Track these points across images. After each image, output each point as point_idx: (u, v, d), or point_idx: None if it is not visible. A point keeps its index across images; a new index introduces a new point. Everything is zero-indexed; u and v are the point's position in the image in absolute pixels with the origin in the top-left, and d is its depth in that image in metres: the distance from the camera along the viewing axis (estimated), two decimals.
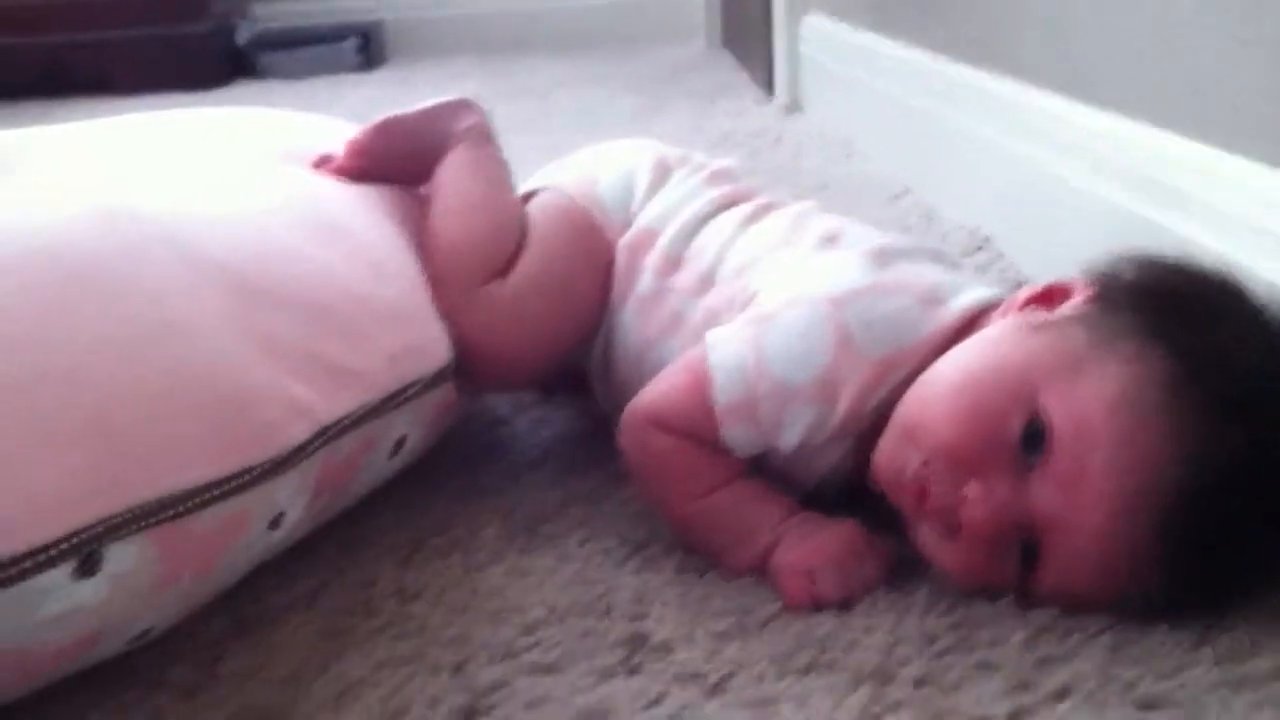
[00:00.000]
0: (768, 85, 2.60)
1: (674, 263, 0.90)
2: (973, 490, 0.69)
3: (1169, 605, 0.68)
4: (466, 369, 0.87)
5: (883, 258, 0.83)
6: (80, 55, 3.32)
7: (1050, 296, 0.76)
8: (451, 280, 0.88)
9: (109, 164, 0.83)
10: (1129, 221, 1.06)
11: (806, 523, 0.77)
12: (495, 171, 0.97)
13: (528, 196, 0.99)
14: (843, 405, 0.76)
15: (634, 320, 0.91)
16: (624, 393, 0.89)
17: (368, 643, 0.71)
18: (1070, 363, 0.69)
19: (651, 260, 0.91)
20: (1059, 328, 0.72)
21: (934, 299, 0.79)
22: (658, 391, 0.81)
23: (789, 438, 0.77)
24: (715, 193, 0.94)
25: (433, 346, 0.84)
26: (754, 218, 0.91)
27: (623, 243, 0.93)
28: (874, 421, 0.76)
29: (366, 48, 3.60)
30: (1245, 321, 0.69)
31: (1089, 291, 0.74)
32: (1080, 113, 1.20)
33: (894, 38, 1.86)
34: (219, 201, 0.79)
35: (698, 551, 0.79)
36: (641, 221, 0.94)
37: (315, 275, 0.78)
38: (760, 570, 0.76)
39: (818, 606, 0.73)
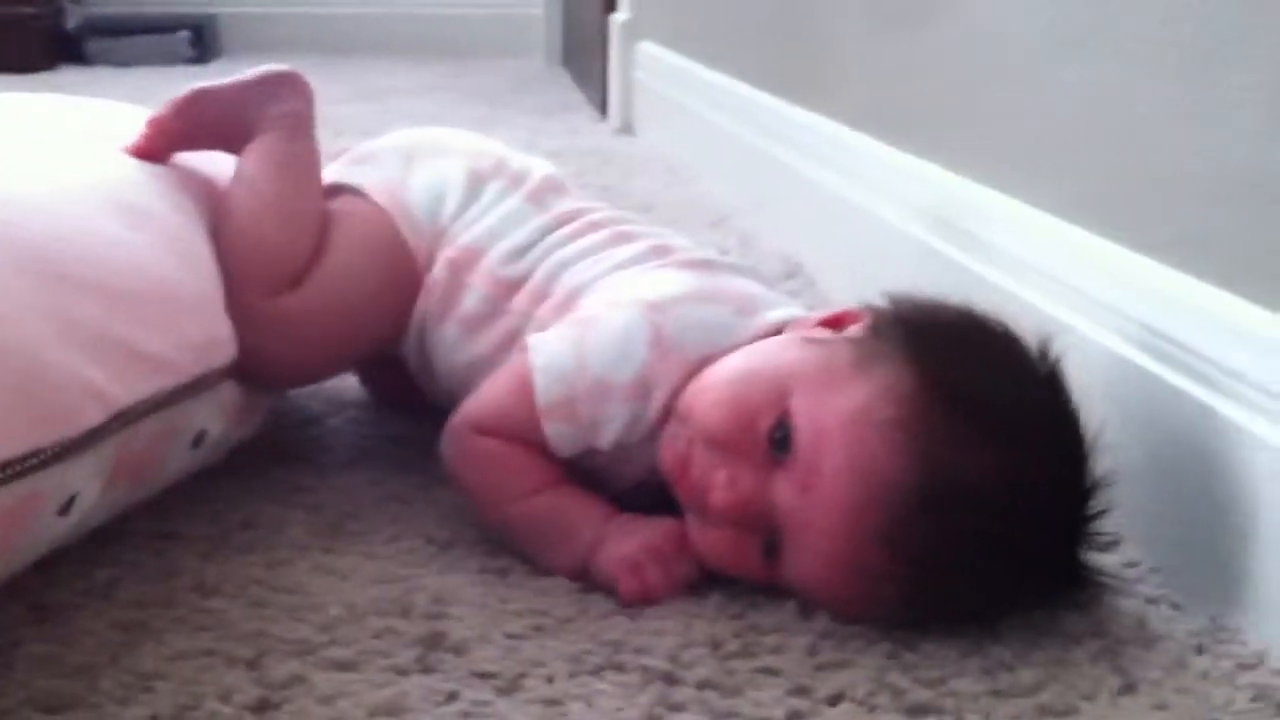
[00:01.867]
0: (602, 107, 2.64)
1: (509, 286, 0.90)
2: (720, 476, 0.73)
3: (905, 618, 0.72)
4: (248, 372, 0.86)
5: (704, 269, 0.87)
6: None
7: (840, 321, 0.80)
8: (238, 288, 0.85)
9: None
10: (929, 257, 1.11)
11: (629, 522, 0.79)
12: (302, 172, 0.93)
13: (332, 190, 0.95)
14: (656, 403, 0.79)
15: (460, 337, 0.90)
16: (451, 400, 0.89)
17: (164, 635, 0.71)
18: (826, 375, 0.73)
19: (479, 281, 0.90)
20: (829, 345, 0.76)
21: (749, 309, 0.83)
22: (482, 399, 0.83)
23: (606, 435, 0.79)
24: (542, 218, 0.93)
25: (229, 339, 0.84)
26: (581, 235, 0.92)
27: (444, 256, 0.92)
28: None
29: (200, 40, 3.54)
30: (1003, 359, 0.73)
31: (869, 320, 0.77)
32: (889, 154, 1.26)
33: (722, 70, 1.91)
34: (19, 181, 0.77)
35: (520, 552, 0.80)
36: (465, 239, 0.92)
37: (118, 259, 0.77)
38: (581, 569, 0.78)
39: (648, 599, 0.75)
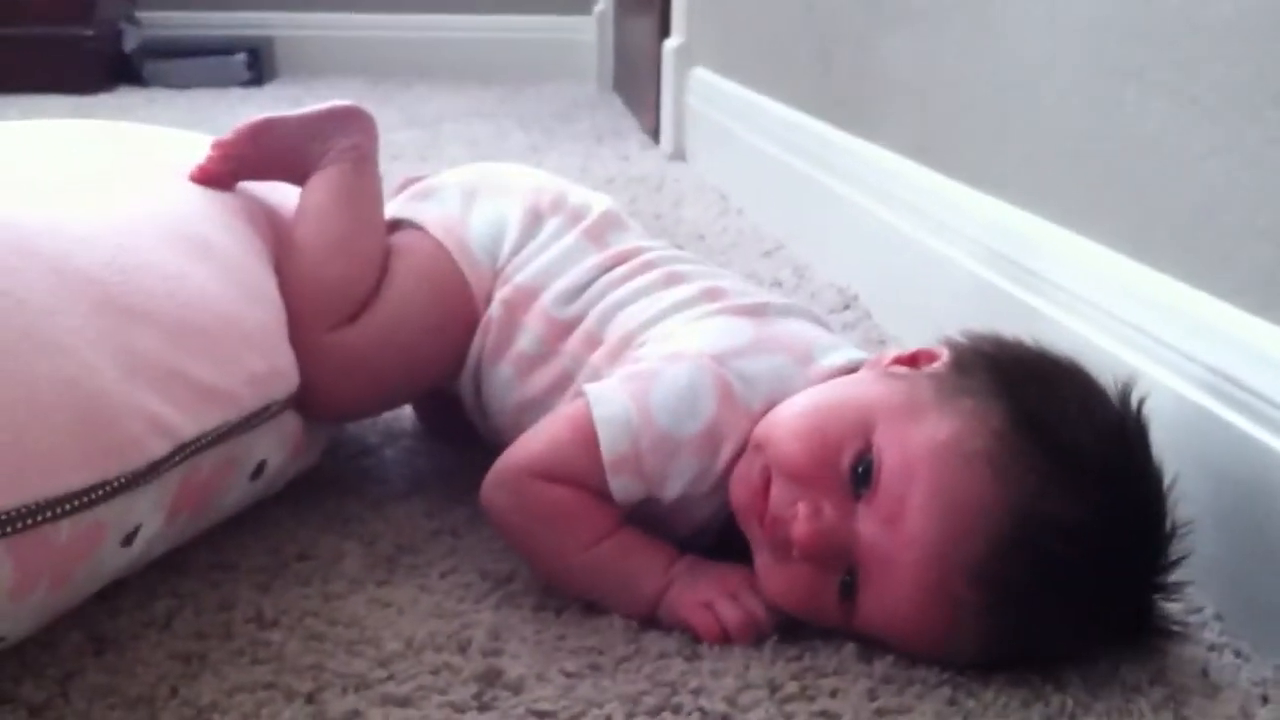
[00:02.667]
0: (654, 133, 2.64)
1: (563, 327, 0.90)
2: (802, 508, 0.72)
3: (983, 655, 0.71)
4: (306, 405, 0.87)
5: (758, 315, 0.86)
6: None
7: (916, 360, 0.79)
8: (298, 322, 0.86)
9: None
10: (985, 290, 1.10)
11: (695, 565, 0.79)
12: (365, 207, 0.94)
13: (393, 225, 0.96)
14: (724, 456, 0.78)
15: (513, 377, 0.90)
16: (501, 439, 0.89)
17: (222, 667, 0.71)
18: (911, 408, 0.73)
19: (533, 321, 0.90)
20: (911, 380, 0.76)
21: (807, 357, 0.82)
22: (538, 445, 0.81)
23: (672, 489, 0.79)
24: (597, 256, 0.93)
25: (293, 369, 0.85)
26: (633, 276, 0.91)
27: (500, 297, 0.92)
28: None
29: (256, 63, 3.57)
30: (1087, 399, 0.73)
31: (949, 357, 0.77)
32: (944, 185, 1.25)
33: (775, 98, 1.90)
34: (87, 213, 0.78)
35: (582, 598, 0.79)
36: (520, 278, 0.92)
37: (182, 292, 0.78)
38: (649, 614, 0.78)
39: (728, 636, 0.75)
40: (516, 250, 0.94)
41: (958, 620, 0.70)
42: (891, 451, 0.71)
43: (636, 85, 2.98)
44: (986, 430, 0.70)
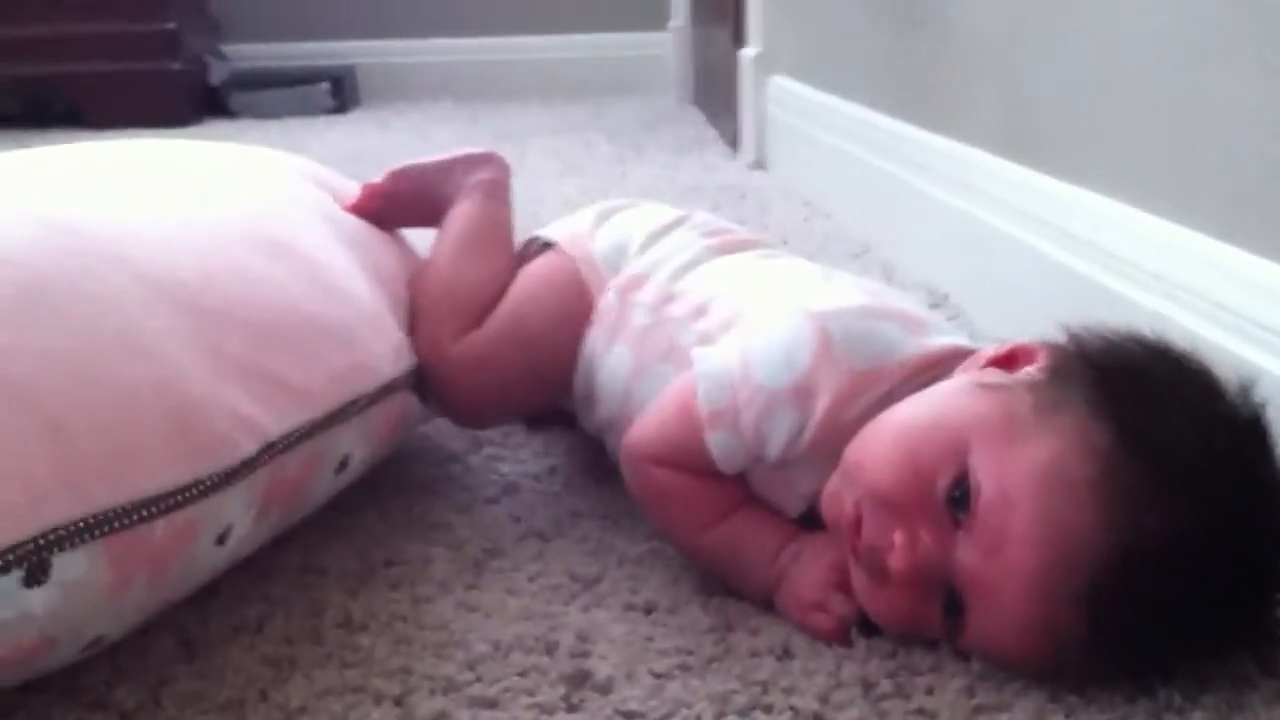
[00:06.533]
0: (734, 142, 2.63)
1: (667, 296, 0.92)
2: (898, 537, 0.69)
3: (1089, 679, 0.68)
4: (445, 412, 0.98)
5: (875, 294, 0.86)
6: (53, 87, 3.32)
7: (1013, 359, 0.75)
8: (424, 329, 0.94)
9: (50, 183, 0.84)
10: (1079, 284, 1.08)
11: (803, 551, 0.78)
12: (493, 229, 1.02)
13: (529, 242, 1.03)
14: (819, 412, 0.76)
15: (627, 354, 0.91)
16: (610, 425, 0.92)
17: (312, 671, 0.71)
18: (1008, 427, 0.69)
19: (643, 296, 0.92)
20: (1008, 391, 0.71)
21: (919, 329, 0.80)
22: (652, 424, 0.83)
23: (772, 445, 0.77)
24: (710, 241, 0.96)
25: (376, 364, 0.86)
26: (751, 265, 0.94)
27: (613, 284, 0.94)
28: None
29: (340, 91, 3.62)
30: (1199, 406, 0.68)
31: (1047, 360, 0.73)
32: (1033, 179, 1.23)
33: (856, 101, 1.89)
34: (167, 220, 0.80)
35: (712, 574, 0.81)
36: (632, 270, 0.95)
37: (264, 293, 0.80)
38: (767, 597, 0.78)
39: (846, 632, 0.74)
40: (635, 259, 0.97)
41: (1063, 647, 0.66)
42: (989, 477, 0.67)
43: (716, 96, 2.98)
44: (1089, 451, 0.66)
